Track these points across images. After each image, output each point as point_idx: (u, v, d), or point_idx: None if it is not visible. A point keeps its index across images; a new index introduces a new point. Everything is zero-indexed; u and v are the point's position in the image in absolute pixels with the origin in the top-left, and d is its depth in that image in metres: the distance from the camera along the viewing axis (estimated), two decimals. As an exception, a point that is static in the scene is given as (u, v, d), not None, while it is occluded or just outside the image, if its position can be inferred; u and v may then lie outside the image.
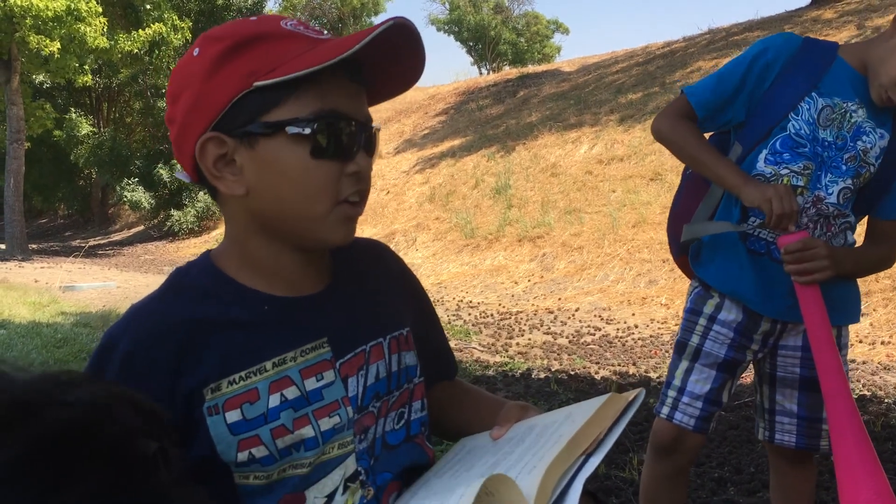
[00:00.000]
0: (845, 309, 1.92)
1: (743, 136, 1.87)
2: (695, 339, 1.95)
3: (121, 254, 18.48)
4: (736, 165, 1.84)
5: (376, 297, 1.16)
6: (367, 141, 1.03)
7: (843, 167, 1.81)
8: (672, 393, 1.96)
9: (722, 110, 1.86)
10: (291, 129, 0.97)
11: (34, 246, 20.40)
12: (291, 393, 1.02)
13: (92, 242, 22.00)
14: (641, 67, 15.47)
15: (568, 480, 0.92)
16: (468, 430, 1.23)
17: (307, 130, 0.97)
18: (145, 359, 0.98)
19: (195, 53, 1.00)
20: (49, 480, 0.57)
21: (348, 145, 1.00)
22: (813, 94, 1.80)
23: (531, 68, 22.88)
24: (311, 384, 1.03)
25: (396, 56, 1.03)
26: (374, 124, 1.06)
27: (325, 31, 1.03)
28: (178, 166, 1.04)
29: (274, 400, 1.01)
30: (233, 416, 0.99)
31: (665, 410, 1.98)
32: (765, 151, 1.83)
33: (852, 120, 1.80)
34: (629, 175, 10.40)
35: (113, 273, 13.42)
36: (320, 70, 0.94)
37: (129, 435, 0.64)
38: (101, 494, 0.59)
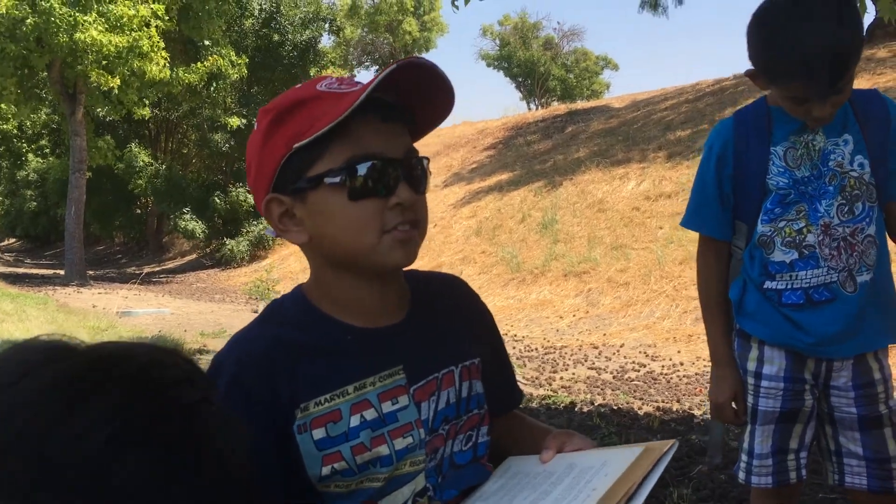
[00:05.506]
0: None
1: (740, 215, 1.96)
2: (750, 400, 1.96)
3: (174, 281, 18.93)
4: (723, 342, 2.02)
5: (450, 328, 1.27)
6: (408, 174, 1.13)
7: (830, 188, 1.85)
8: (744, 457, 1.98)
9: (723, 213, 1.97)
10: (329, 180, 1.09)
11: (92, 272, 20.98)
12: (370, 414, 1.13)
13: (147, 270, 22.58)
14: (691, 104, 15.46)
15: None
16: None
17: (341, 178, 1.08)
18: (249, 378, 1.11)
19: (256, 127, 1.16)
20: (71, 399, 0.62)
21: (384, 182, 1.11)
22: (772, 148, 1.87)
23: (580, 104, 22.95)
24: (387, 407, 1.14)
25: (426, 92, 1.14)
26: (421, 157, 1.16)
27: (358, 82, 1.13)
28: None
29: (355, 420, 1.12)
30: (318, 433, 1.11)
31: (742, 476, 1.99)
32: (760, 215, 1.90)
33: (817, 147, 1.85)
34: (677, 212, 10.37)
35: (167, 300, 13.78)
36: (349, 119, 1.05)
37: (154, 364, 0.68)
38: (122, 407, 0.63)
